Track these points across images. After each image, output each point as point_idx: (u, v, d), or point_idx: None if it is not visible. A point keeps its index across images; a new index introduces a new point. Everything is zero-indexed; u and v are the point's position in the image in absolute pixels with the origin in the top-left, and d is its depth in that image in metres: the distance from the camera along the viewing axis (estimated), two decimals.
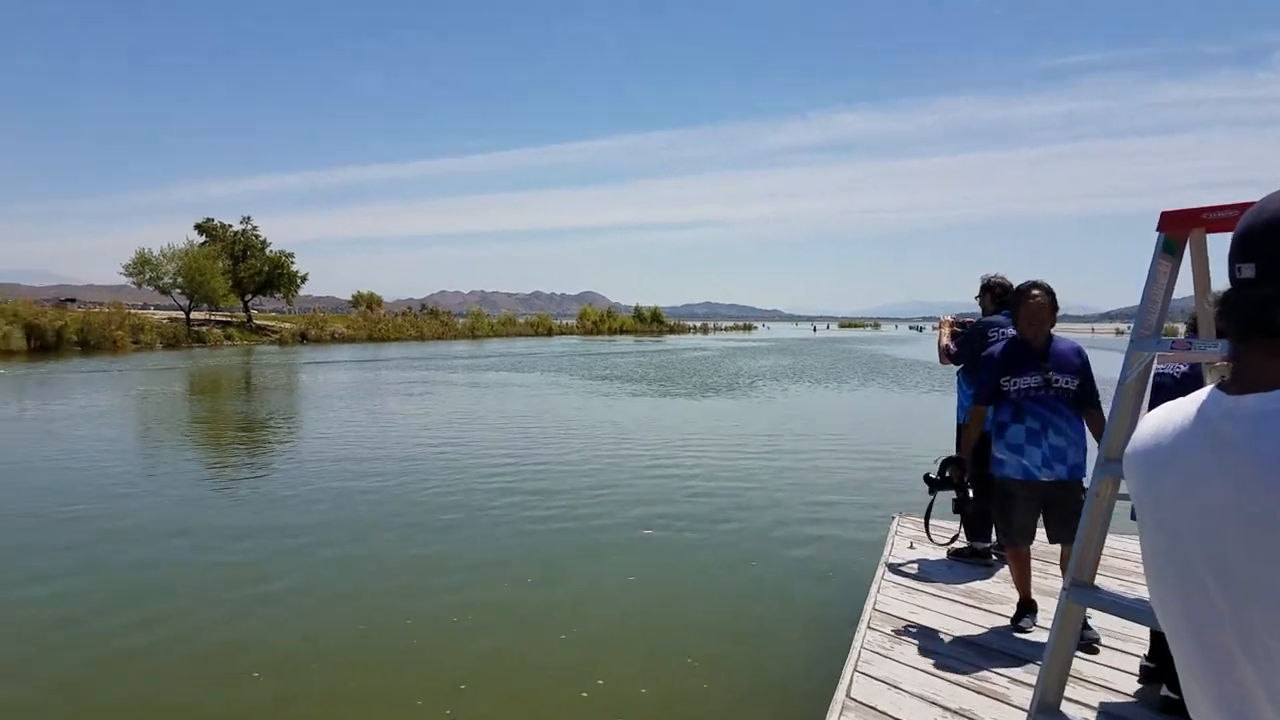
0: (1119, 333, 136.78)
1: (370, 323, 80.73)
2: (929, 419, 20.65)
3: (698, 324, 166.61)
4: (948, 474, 5.31)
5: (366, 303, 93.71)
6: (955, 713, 3.77)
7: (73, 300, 73.14)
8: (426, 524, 9.51)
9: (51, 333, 47.13)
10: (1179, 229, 2.72)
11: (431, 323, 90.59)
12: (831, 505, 10.85)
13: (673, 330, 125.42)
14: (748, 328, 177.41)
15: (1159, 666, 3.89)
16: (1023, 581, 4.88)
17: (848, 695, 3.95)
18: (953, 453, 5.48)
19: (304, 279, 78.79)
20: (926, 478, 5.52)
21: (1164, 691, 3.76)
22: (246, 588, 7.27)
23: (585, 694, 5.29)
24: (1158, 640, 3.95)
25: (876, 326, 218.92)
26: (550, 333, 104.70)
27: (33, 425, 17.77)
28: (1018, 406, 4.66)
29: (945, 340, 6.54)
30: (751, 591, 7.49)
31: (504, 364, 42.18)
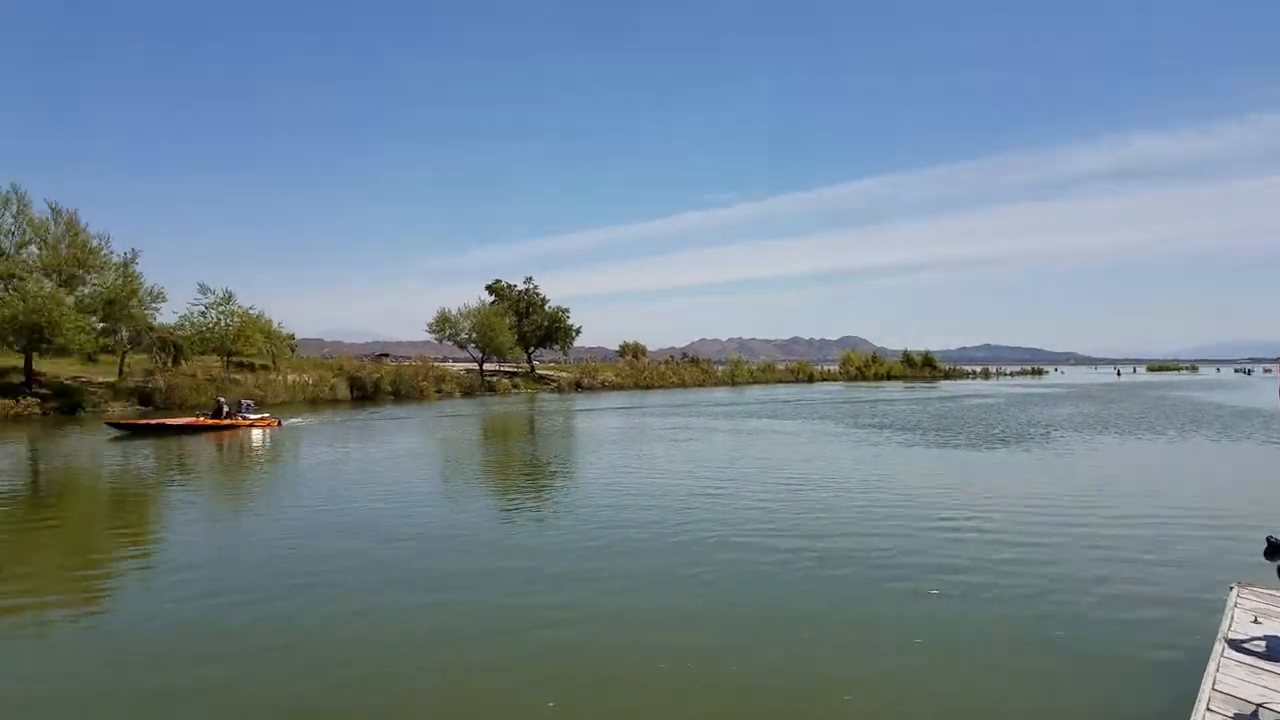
0: None
1: (636, 371, 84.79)
2: (1268, 475, 17.30)
3: (977, 369, 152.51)
4: None
5: (632, 352, 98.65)
6: None
7: (386, 355, 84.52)
8: (700, 575, 9.40)
9: (370, 384, 54.86)
10: None
11: (693, 370, 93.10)
12: (1152, 571, 9.26)
13: (947, 376, 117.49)
14: (1037, 372, 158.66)
15: None
16: None
17: None
18: None
19: (578, 331, 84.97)
20: (1270, 541, 4.66)
21: None
22: (540, 630, 7.57)
23: None
24: None
25: (1194, 369, 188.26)
26: (811, 379, 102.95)
27: (356, 465, 20.51)
28: None
29: None
30: (1062, 667, 6.45)
31: (766, 410, 41.95)
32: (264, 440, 26.48)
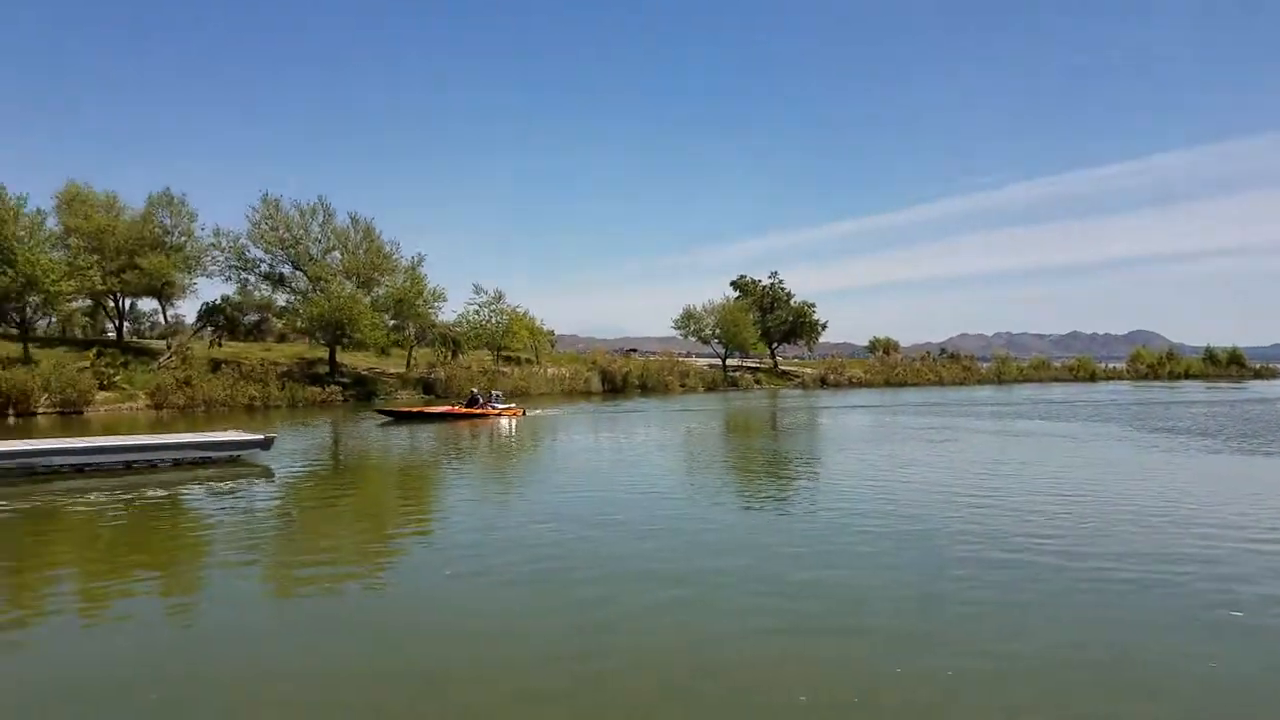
0: None
1: (887, 367, 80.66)
2: None
3: None
4: None
5: (883, 347, 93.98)
6: None
7: (634, 350, 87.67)
8: (981, 578, 8.36)
9: (619, 377, 57.31)
10: None
11: (952, 367, 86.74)
12: None
13: (1258, 375, 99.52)
14: None
15: None
16: None
17: None
18: None
19: (824, 326, 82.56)
20: None
21: None
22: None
23: None
24: None
25: None
26: (1093, 377, 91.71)
27: (609, 452, 21.18)
28: None
29: None
30: None
31: (1036, 411, 37.79)
32: (510, 429, 28.21)
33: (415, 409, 33.29)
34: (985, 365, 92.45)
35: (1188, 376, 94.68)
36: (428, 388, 48.01)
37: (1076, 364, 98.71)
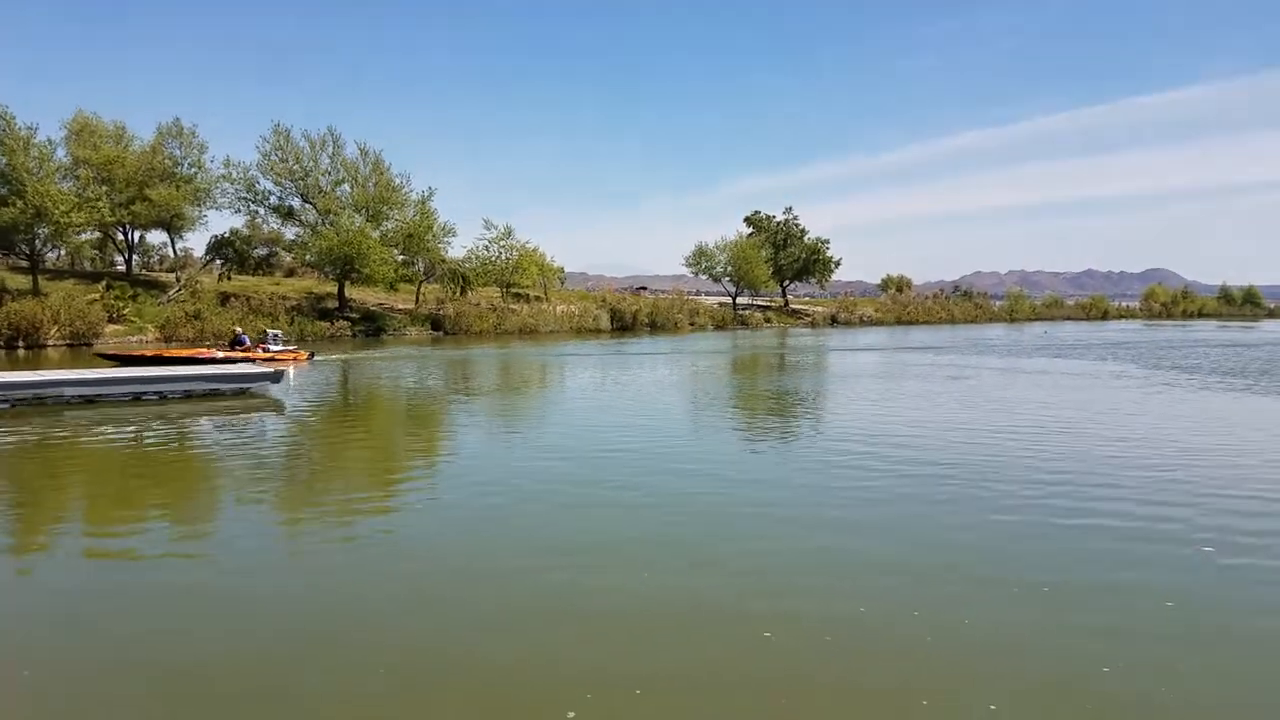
0: None
1: (899, 306, 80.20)
2: None
3: None
4: None
5: (896, 285, 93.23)
6: None
7: (644, 288, 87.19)
8: (977, 524, 8.43)
9: (629, 315, 57.11)
10: None
11: (964, 305, 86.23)
12: None
13: (1272, 314, 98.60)
14: None
15: None
16: None
17: None
18: None
19: (838, 264, 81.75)
20: None
21: None
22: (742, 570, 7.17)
23: None
24: None
25: None
26: (1105, 316, 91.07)
27: (613, 390, 21.28)
28: None
29: None
30: None
31: (1048, 350, 37.58)
32: (287, 382, 20.79)
33: (150, 353, 25.91)
34: (998, 304, 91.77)
35: (1201, 315, 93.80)
36: (435, 324, 48.09)
37: (1090, 302, 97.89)
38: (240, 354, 25.21)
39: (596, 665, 5.36)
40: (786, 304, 79.87)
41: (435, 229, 49.72)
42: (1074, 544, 7.86)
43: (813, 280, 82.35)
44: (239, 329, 27.80)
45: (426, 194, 49.70)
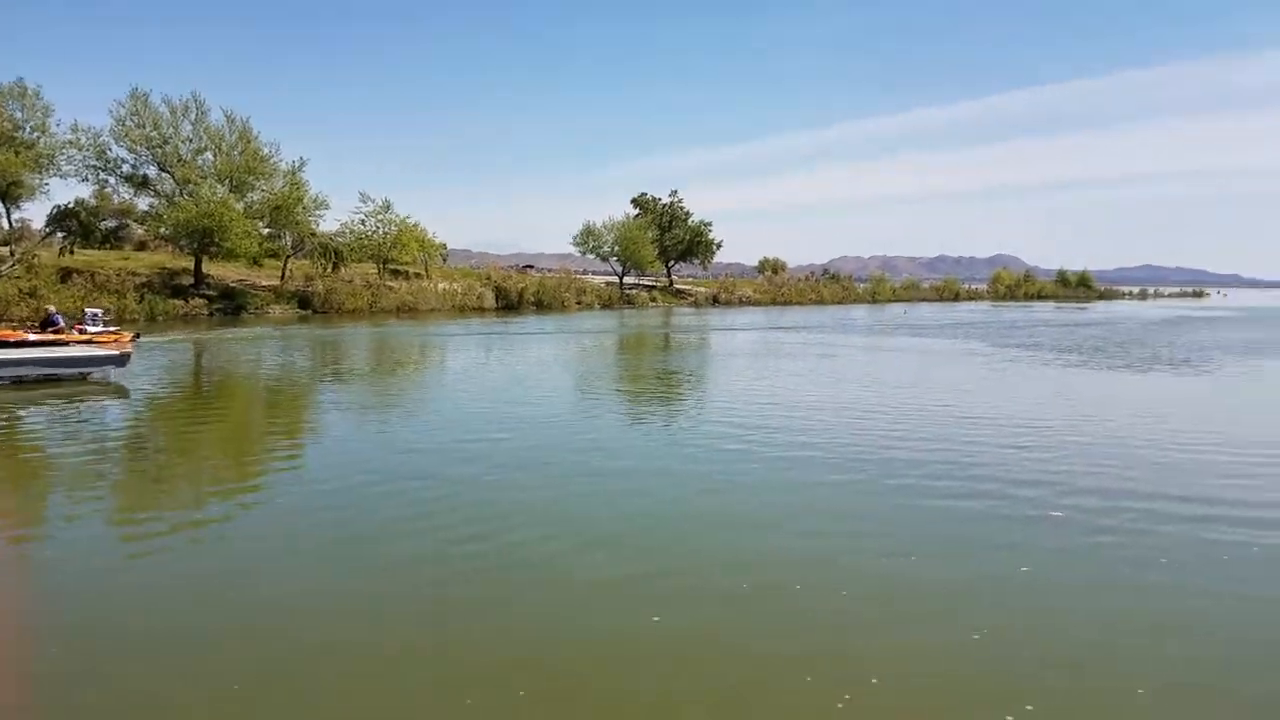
0: None
1: (775, 287, 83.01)
2: None
3: (1134, 290, 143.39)
4: None
5: (771, 268, 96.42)
6: None
7: (530, 267, 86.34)
8: (854, 485, 9.03)
9: (515, 294, 56.54)
10: None
11: (833, 287, 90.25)
12: None
13: (1102, 296, 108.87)
14: (1199, 294, 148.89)
15: None
16: None
17: None
18: None
19: (719, 246, 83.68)
20: None
21: None
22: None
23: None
24: None
25: None
26: (957, 297, 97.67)
27: (499, 370, 21.13)
28: None
29: None
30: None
31: (906, 329, 40.05)
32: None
33: None
34: (862, 286, 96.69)
35: (1040, 297, 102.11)
36: (303, 302, 45.87)
37: (943, 284, 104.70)
38: (51, 335, 20.98)
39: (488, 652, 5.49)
40: (671, 284, 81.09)
41: (306, 201, 47.18)
42: (917, 500, 8.64)
43: (696, 261, 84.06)
44: (52, 308, 23.64)
45: (298, 164, 47.08)
